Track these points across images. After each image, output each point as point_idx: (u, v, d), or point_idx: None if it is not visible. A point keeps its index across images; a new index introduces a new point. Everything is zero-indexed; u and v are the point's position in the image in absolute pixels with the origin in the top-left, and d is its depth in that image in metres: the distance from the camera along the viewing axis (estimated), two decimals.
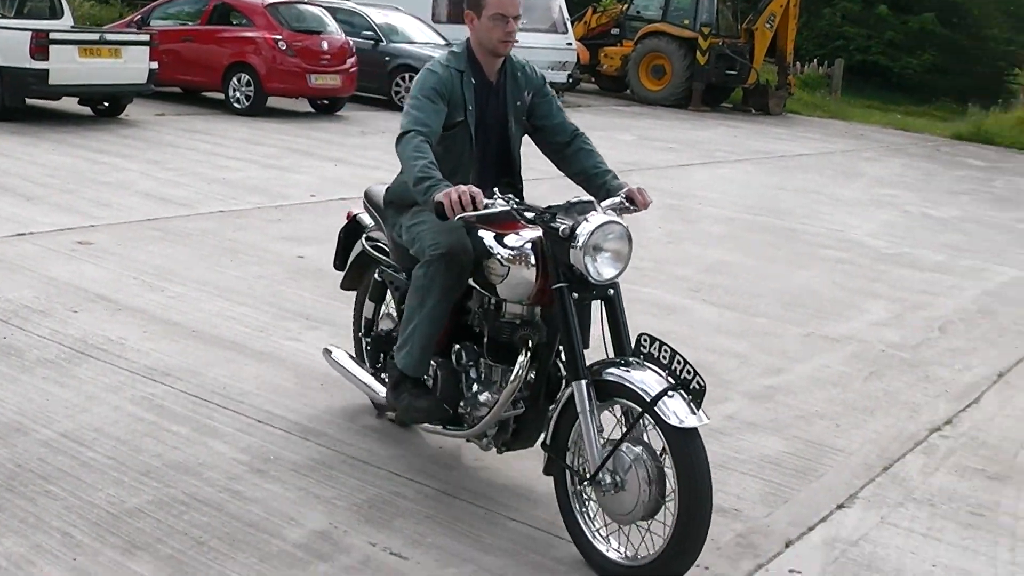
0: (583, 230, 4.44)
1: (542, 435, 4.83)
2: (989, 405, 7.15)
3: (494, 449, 5.05)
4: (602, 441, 4.45)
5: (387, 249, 5.55)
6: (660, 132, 21.51)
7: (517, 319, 4.86)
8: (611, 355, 4.64)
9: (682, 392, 4.26)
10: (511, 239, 4.77)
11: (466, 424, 5.07)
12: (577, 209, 4.55)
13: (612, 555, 4.55)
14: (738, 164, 17.95)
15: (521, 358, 4.77)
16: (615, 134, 19.29)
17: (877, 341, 8.35)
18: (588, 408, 4.44)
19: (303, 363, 6.58)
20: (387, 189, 5.33)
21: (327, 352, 6.03)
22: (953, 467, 6.07)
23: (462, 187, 4.44)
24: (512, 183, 5.17)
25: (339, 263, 6.15)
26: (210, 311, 7.40)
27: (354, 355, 6.05)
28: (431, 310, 4.88)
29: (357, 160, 14.11)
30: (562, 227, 4.48)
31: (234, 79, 17.82)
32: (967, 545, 5.18)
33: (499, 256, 4.77)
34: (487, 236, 4.84)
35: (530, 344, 4.78)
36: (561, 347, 4.70)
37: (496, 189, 4.68)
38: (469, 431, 5.05)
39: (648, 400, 4.27)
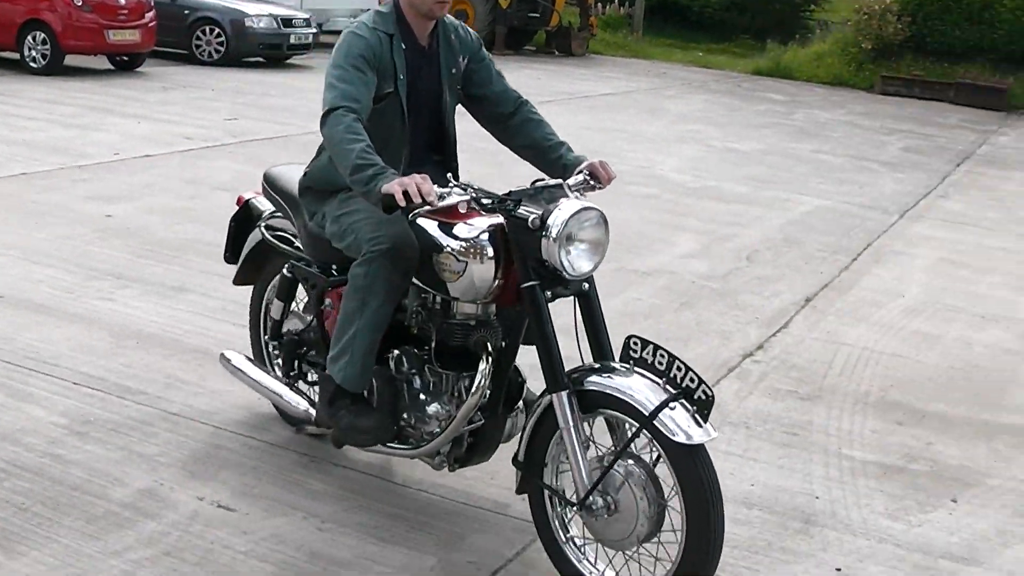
0: (555, 219, 3.92)
1: (500, 447, 4.45)
2: (798, 329, 7.41)
3: (446, 467, 4.46)
4: (590, 458, 3.98)
5: (294, 240, 4.97)
6: None
7: (471, 320, 4.29)
8: (589, 359, 4.15)
9: (684, 402, 3.78)
10: (462, 229, 4.15)
11: (412, 441, 4.46)
12: (545, 196, 4.09)
13: None
14: (544, 106, 17.81)
15: (483, 365, 4.21)
16: None
17: (687, 273, 8.57)
18: (572, 423, 3.94)
19: (117, 322, 6.47)
20: (305, 173, 4.65)
21: (225, 358, 5.30)
22: (766, 390, 6.29)
23: (416, 177, 3.89)
24: (444, 162, 4.61)
25: (231, 255, 5.42)
26: (17, 275, 7.20)
27: (253, 358, 5.38)
28: (373, 314, 4.26)
29: (159, 116, 13.81)
30: (531, 217, 3.96)
31: (29, 38, 17.14)
32: (783, 464, 5.38)
33: (452, 250, 4.13)
34: (430, 226, 4.24)
35: (489, 348, 4.24)
36: (537, 352, 4.07)
37: (450, 175, 4.16)
38: (419, 450, 4.42)
39: (647, 414, 3.76)
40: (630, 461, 3.90)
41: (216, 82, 16.90)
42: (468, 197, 4.05)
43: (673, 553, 3.88)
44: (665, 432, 3.72)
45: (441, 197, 3.96)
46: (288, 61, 20.65)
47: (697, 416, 3.77)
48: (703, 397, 3.77)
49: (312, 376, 5.00)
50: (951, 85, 23.67)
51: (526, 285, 4.02)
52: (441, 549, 4.40)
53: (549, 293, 4.04)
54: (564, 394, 3.96)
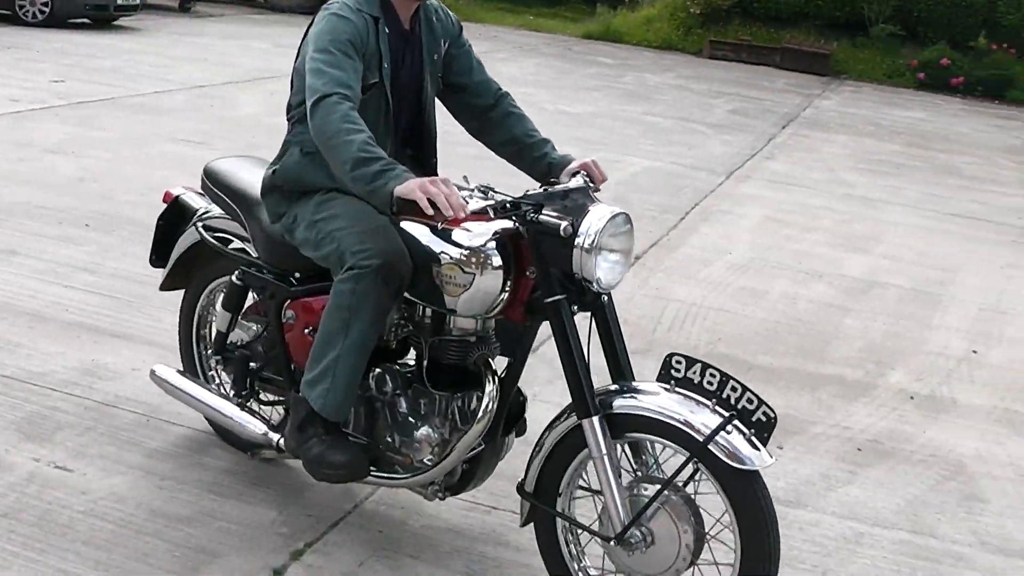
0: (589, 227, 3.57)
1: (490, 476, 4.11)
2: (627, 287, 7.52)
3: (436, 498, 4.11)
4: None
5: (244, 243, 4.48)
6: (293, 39, 21.26)
7: (471, 336, 3.91)
8: (607, 378, 3.84)
9: (739, 424, 3.49)
10: (463, 236, 3.71)
11: (399, 468, 4.06)
12: (571, 199, 3.73)
13: None
14: None
15: (489, 386, 3.83)
16: (249, 42, 18.89)
17: None
18: (607, 451, 3.59)
19: None
20: (273, 171, 4.13)
21: (158, 376, 4.73)
22: (596, 345, 6.43)
23: (439, 183, 3.50)
24: (421, 158, 4.22)
25: (158, 258, 4.87)
26: None
27: (189, 374, 4.82)
28: (359, 336, 3.83)
29: None
30: (563, 224, 3.54)
31: None
32: None
33: (455, 261, 3.71)
34: (422, 233, 3.80)
35: (492, 367, 3.90)
36: (565, 373, 3.71)
37: (465, 176, 3.82)
38: (411, 479, 4.01)
39: (701, 440, 3.45)
40: (659, 485, 3.60)
41: (41, 43, 16.45)
42: (491, 202, 3.66)
43: None
44: (722, 458, 3.43)
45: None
46: (115, 23, 20.21)
47: (754, 439, 3.49)
48: (763, 419, 3.50)
49: (266, 396, 4.58)
50: (777, 50, 24.20)
51: (552, 300, 3.65)
52: (280, 504, 4.44)
53: (575, 307, 3.71)
54: (596, 419, 3.61)
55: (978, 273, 9.32)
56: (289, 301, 4.24)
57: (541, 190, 3.81)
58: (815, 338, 7.14)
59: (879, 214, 11.12)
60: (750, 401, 3.50)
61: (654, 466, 3.77)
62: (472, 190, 3.75)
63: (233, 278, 4.43)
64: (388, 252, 3.78)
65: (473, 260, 3.68)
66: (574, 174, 4.03)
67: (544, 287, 3.68)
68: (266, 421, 4.38)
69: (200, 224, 4.60)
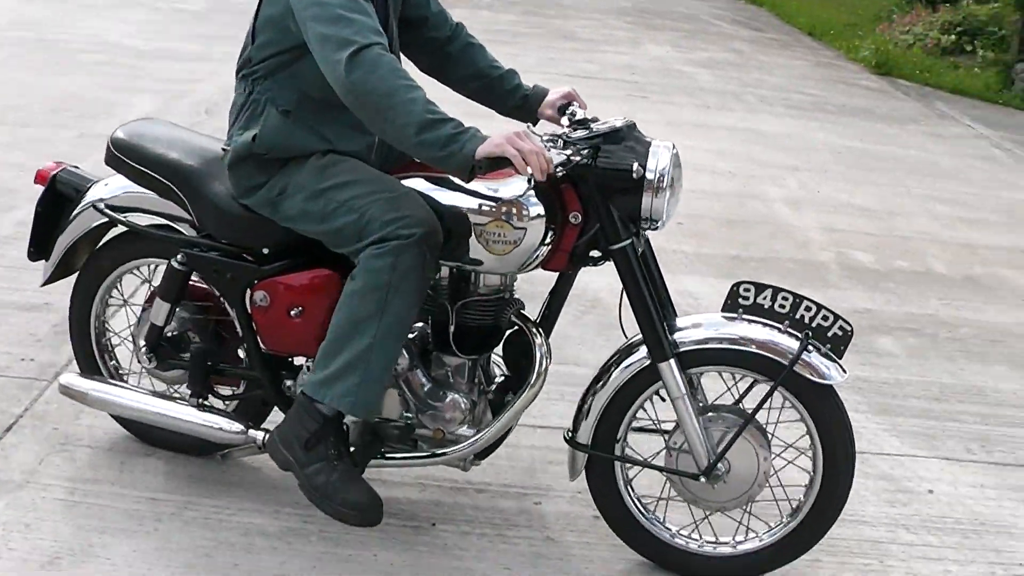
0: (659, 166, 3.46)
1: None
2: None
3: (473, 467, 3.96)
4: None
5: (158, 221, 4.02)
6: None
7: (503, 292, 3.72)
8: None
9: (815, 343, 3.55)
10: (500, 187, 3.51)
11: (426, 445, 3.83)
12: (621, 136, 3.54)
13: (712, 549, 3.87)
14: None
15: (539, 340, 3.67)
16: None
17: None
18: (686, 392, 3.60)
19: None
20: (252, 136, 3.62)
21: (72, 389, 4.15)
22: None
23: (524, 135, 3.28)
24: None
25: (39, 250, 4.21)
26: None
27: (115, 381, 4.29)
28: (398, 318, 3.48)
29: None
30: (635, 165, 3.43)
31: None
32: None
33: (503, 215, 3.48)
34: (441, 191, 3.57)
35: (531, 322, 3.74)
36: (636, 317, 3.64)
37: (529, 124, 3.59)
38: (447, 455, 3.78)
39: (786, 363, 3.52)
40: (732, 415, 3.72)
41: None
42: (569, 153, 3.46)
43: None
44: (809, 378, 3.53)
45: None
46: None
47: (829, 354, 3.57)
48: (839, 334, 3.56)
49: (222, 389, 4.14)
50: None
51: (619, 245, 3.54)
52: None
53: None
54: (672, 362, 3.58)
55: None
56: (257, 282, 3.80)
57: (593, 130, 3.57)
58: None
59: None
60: (825, 318, 3.56)
61: (702, 396, 3.79)
62: (545, 142, 3.52)
63: (174, 263, 3.92)
64: (428, 219, 3.45)
65: (516, 212, 3.48)
66: (562, 106, 3.86)
67: (610, 232, 3.54)
68: (237, 418, 4.00)
69: (104, 204, 4.03)
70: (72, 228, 4.12)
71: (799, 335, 3.55)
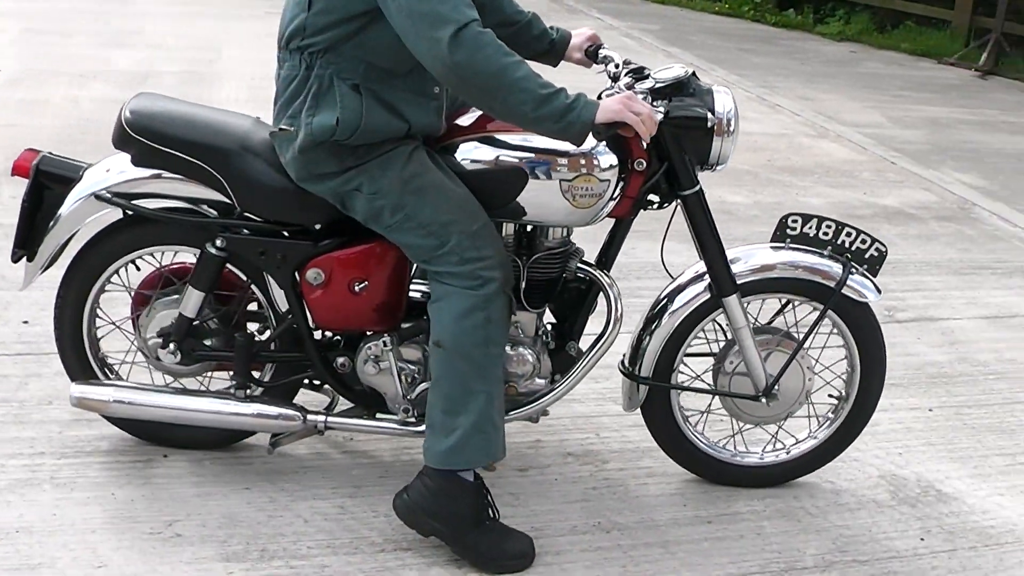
0: (727, 111, 3.51)
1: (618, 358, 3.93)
2: None
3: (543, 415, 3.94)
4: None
5: (179, 205, 3.67)
6: None
7: (568, 244, 3.68)
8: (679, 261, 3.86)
9: (855, 265, 3.78)
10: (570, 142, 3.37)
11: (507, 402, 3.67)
12: (688, 85, 3.55)
13: (758, 459, 4.09)
14: None
15: (609, 286, 3.67)
16: None
17: None
18: (748, 322, 3.76)
19: None
20: (336, 119, 3.27)
21: (85, 399, 3.74)
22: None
23: (633, 96, 3.26)
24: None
25: (25, 249, 3.73)
26: None
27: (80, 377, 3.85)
28: (501, 358, 3.46)
29: None
30: (707, 113, 3.48)
31: None
32: None
33: (588, 169, 3.44)
34: (511, 149, 3.46)
35: (600, 270, 3.72)
36: (706, 257, 3.70)
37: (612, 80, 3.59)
38: (533, 407, 3.73)
39: (833, 286, 3.74)
40: (778, 336, 3.89)
41: None
42: (663, 110, 3.45)
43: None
44: (854, 298, 3.77)
45: None
46: None
47: (867, 274, 3.80)
48: (875, 255, 3.79)
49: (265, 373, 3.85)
50: None
51: (691, 191, 3.60)
52: None
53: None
54: (736, 296, 3.72)
55: (241, 47, 10.10)
56: (310, 260, 3.56)
57: (650, 80, 3.55)
58: (105, 133, 6.93)
59: (133, 8, 11.77)
60: (863, 241, 3.78)
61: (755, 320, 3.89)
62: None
63: (211, 248, 3.59)
64: (505, 261, 3.41)
65: (596, 165, 3.45)
66: (590, 50, 3.84)
67: (683, 178, 3.58)
68: (289, 403, 3.76)
69: (107, 192, 3.63)
70: (66, 221, 3.68)
71: (841, 259, 3.79)
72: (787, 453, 4.07)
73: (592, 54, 3.85)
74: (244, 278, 3.74)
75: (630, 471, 4.11)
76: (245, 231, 3.60)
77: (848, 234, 3.80)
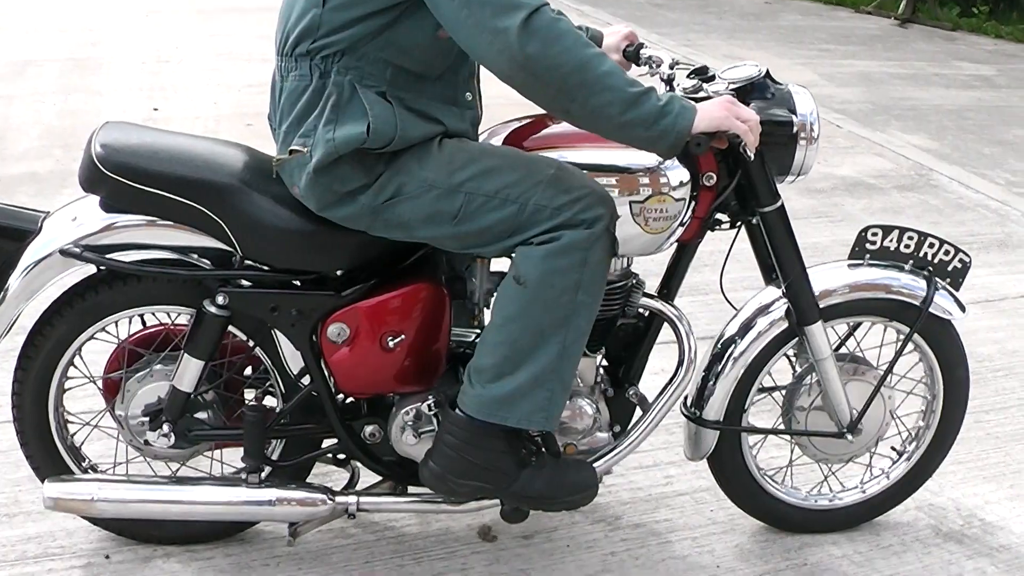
0: (812, 115, 3.07)
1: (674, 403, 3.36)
2: None
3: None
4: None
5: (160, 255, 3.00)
6: None
7: (631, 276, 3.19)
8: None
9: (939, 280, 3.40)
10: (634, 156, 2.97)
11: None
12: (766, 86, 3.11)
13: (836, 500, 3.71)
14: None
15: (682, 327, 3.24)
16: None
17: None
18: (832, 351, 3.34)
19: None
20: (367, 126, 2.72)
21: (60, 500, 3.10)
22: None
23: (735, 100, 2.86)
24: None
25: None
26: None
27: (50, 473, 3.18)
28: (590, 315, 2.90)
29: None
30: (795, 118, 3.05)
31: None
32: None
33: (664, 190, 2.97)
34: (574, 166, 2.94)
35: (669, 306, 3.29)
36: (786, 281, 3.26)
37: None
38: (600, 467, 3.26)
39: (919, 304, 3.35)
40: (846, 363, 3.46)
41: None
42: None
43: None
44: (940, 316, 3.41)
45: None
46: None
47: (950, 288, 3.43)
48: (959, 266, 3.42)
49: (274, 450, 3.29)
50: None
51: (773, 207, 3.14)
52: None
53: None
54: (819, 323, 3.29)
55: (126, 28, 9.50)
56: (331, 313, 3.01)
57: (712, 79, 3.10)
58: None
59: None
60: (946, 252, 3.41)
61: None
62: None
63: (210, 307, 3.00)
64: (604, 194, 2.87)
65: (668, 182, 2.98)
66: (628, 50, 3.34)
67: (763, 193, 3.12)
68: (317, 486, 3.20)
69: (78, 246, 2.94)
70: (24, 285, 2.96)
71: (924, 274, 3.40)
72: (862, 492, 3.72)
73: (632, 55, 3.35)
74: (245, 339, 3.13)
75: (648, 527, 3.65)
76: (248, 283, 3.01)
77: (931, 245, 3.41)
